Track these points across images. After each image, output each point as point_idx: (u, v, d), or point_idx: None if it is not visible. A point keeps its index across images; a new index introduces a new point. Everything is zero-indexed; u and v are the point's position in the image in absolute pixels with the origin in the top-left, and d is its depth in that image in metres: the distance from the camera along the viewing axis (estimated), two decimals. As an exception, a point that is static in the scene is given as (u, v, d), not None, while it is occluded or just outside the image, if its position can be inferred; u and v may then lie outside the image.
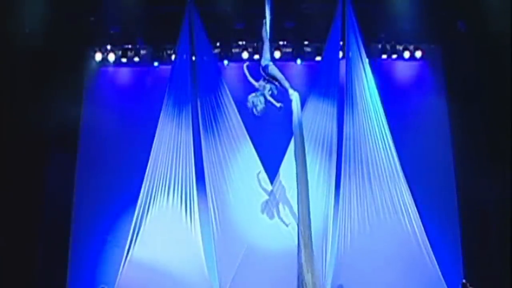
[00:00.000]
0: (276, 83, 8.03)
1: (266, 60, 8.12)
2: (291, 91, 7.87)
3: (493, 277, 9.16)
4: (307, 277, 7.45)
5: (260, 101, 7.98)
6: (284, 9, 9.76)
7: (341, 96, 9.56)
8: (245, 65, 8.43)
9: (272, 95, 8.04)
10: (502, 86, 9.08)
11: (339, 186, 9.34)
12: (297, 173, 7.76)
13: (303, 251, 7.55)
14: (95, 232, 9.95)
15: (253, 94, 8.05)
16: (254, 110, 8.00)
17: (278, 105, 7.91)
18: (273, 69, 8.06)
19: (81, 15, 10.08)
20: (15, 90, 9.20)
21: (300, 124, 7.85)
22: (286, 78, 8.01)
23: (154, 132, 9.49)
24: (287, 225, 9.24)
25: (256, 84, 8.14)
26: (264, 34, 8.27)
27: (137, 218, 9.20)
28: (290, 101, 7.96)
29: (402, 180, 9.20)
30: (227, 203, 9.41)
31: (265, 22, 8.26)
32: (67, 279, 9.79)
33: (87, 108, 10.52)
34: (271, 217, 9.42)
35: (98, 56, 10.51)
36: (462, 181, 9.96)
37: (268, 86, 8.06)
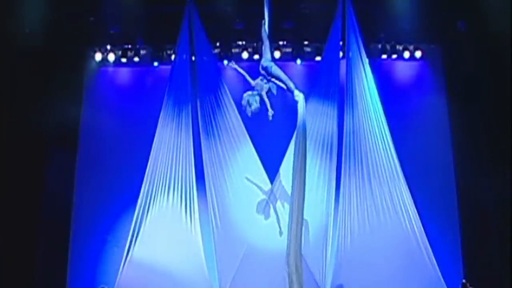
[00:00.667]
0: (280, 83, 8.00)
1: (267, 60, 8.09)
2: (296, 92, 7.83)
3: (493, 277, 9.16)
4: (294, 277, 7.46)
5: (255, 101, 7.95)
6: (283, 9, 9.78)
7: (341, 96, 9.55)
8: (232, 63, 8.42)
9: (270, 96, 8.03)
10: (502, 86, 9.08)
11: (339, 186, 9.33)
12: (294, 174, 7.74)
13: (292, 250, 7.54)
14: (95, 232, 9.95)
15: (249, 93, 8.01)
16: (248, 108, 7.96)
17: (270, 112, 7.88)
18: (277, 70, 8.01)
19: (81, 15, 10.08)
20: (15, 90, 9.19)
21: (304, 126, 7.84)
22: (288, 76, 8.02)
23: (154, 132, 9.48)
24: (282, 233, 9.22)
25: (252, 82, 8.11)
26: (263, 34, 8.26)
27: (137, 218, 9.19)
28: (289, 102, 7.98)
29: (402, 180, 9.19)
30: (227, 203, 9.41)
31: (264, 22, 8.25)
32: (67, 279, 9.80)
33: (87, 108, 10.53)
34: (271, 217, 9.42)
35: (98, 56, 10.52)
36: (462, 181, 9.96)
37: (266, 86, 8.03)
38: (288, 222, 7.72)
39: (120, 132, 10.34)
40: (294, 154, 7.85)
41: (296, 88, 7.88)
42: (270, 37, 8.27)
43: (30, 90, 9.37)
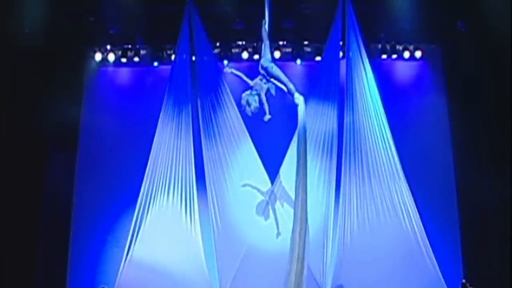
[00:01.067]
0: (280, 85, 7.98)
1: (267, 60, 8.06)
2: (297, 95, 7.80)
3: (493, 277, 9.16)
4: (292, 277, 7.45)
5: (254, 100, 7.91)
6: (284, 9, 9.78)
7: (341, 96, 9.55)
8: (228, 67, 8.37)
9: (270, 96, 8.01)
10: (502, 86, 9.08)
11: (339, 186, 9.33)
12: (296, 178, 7.73)
13: (295, 252, 7.53)
14: (95, 232, 9.95)
15: (248, 92, 7.97)
16: (247, 108, 7.93)
17: (267, 116, 7.85)
18: (277, 71, 7.98)
19: (81, 15, 10.08)
20: (15, 90, 9.19)
21: (305, 129, 7.83)
22: (289, 79, 8.01)
23: (154, 132, 9.48)
24: (279, 234, 9.22)
25: (251, 82, 8.07)
26: (264, 33, 8.23)
27: (137, 218, 9.20)
28: (289, 102, 7.98)
29: (402, 180, 9.20)
30: (227, 203, 9.41)
31: (265, 22, 8.23)
32: (67, 279, 9.80)
33: (87, 108, 10.53)
34: (271, 217, 9.41)
35: (98, 56, 10.52)
36: (462, 181, 9.96)
37: (265, 86, 8.00)
38: (293, 226, 7.72)
39: (120, 132, 10.33)
40: (296, 158, 7.84)
41: (297, 90, 7.86)
42: (270, 37, 8.27)
43: (30, 90, 9.37)
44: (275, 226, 9.31)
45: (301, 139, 7.76)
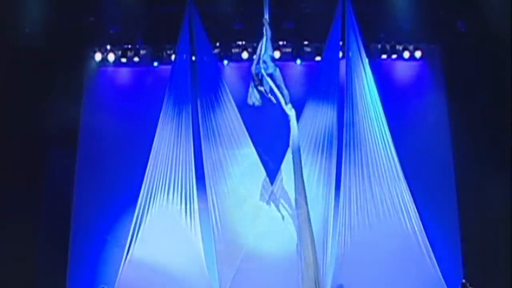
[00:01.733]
0: (274, 87, 8.02)
1: (268, 56, 8.10)
2: (289, 106, 7.88)
3: (493, 277, 9.16)
4: (309, 274, 7.49)
5: (256, 99, 8.02)
6: (284, 9, 9.79)
7: (341, 96, 9.56)
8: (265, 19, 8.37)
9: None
10: (502, 86, 9.09)
11: (339, 186, 9.33)
12: (295, 184, 7.78)
13: (305, 249, 7.57)
14: (95, 232, 9.95)
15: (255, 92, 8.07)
16: (253, 99, 8.02)
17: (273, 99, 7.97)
18: (278, 73, 8.04)
19: (81, 15, 10.10)
20: (15, 90, 9.20)
21: (298, 145, 7.90)
22: (286, 86, 8.04)
23: (154, 132, 9.49)
24: (283, 220, 9.26)
25: (253, 70, 8.10)
26: (266, 26, 8.24)
27: (137, 218, 9.21)
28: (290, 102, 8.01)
29: (402, 180, 9.20)
30: (227, 203, 9.41)
31: (265, 19, 8.26)
32: (67, 279, 9.80)
33: (87, 108, 10.53)
34: (271, 217, 9.41)
35: (98, 56, 10.52)
36: (462, 181, 9.96)
37: (261, 88, 8.07)
38: (299, 235, 7.79)
39: (120, 132, 10.34)
40: (293, 172, 7.91)
41: (290, 101, 7.92)
42: (271, 36, 8.28)
43: (30, 90, 9.38)
44: (274, 226, 9.29)
45: (296, 154, 7.85)
